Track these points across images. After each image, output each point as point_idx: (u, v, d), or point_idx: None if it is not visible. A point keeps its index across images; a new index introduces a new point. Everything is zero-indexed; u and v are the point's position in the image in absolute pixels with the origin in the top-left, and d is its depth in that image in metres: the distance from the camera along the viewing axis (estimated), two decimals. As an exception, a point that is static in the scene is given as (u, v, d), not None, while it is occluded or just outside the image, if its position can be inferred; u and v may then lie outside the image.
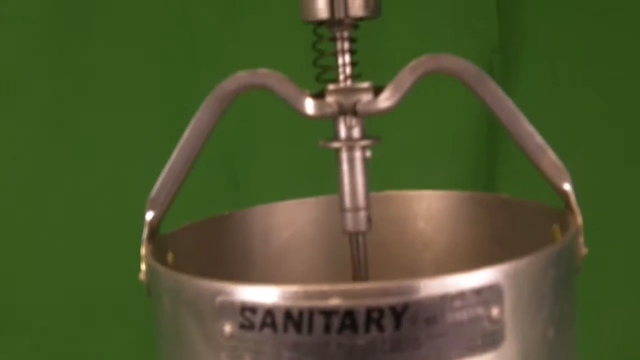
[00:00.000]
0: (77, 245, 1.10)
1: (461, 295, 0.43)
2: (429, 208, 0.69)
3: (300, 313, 0.43)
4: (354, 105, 0.55)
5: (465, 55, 1.08)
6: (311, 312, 0.43)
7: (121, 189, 1.12)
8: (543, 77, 1.13)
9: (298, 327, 0.43)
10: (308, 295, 0.43)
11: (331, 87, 0.54)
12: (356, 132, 0.55)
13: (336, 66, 0.55)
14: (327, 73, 0.57)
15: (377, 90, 0.55)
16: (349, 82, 0.55)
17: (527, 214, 0.61)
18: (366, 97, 0.54)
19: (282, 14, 1.06)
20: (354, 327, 0.42)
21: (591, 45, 1.10)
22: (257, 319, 0.44)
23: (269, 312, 0.44)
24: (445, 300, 0.43)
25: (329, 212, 0.70)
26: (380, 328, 0.42)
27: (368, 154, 0.57)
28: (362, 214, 0.57)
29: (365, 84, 0.54)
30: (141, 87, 1.12)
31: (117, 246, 1.06)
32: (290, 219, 0.70)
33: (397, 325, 0.42)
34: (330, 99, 0.55)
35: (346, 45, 0.55)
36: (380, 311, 0.42)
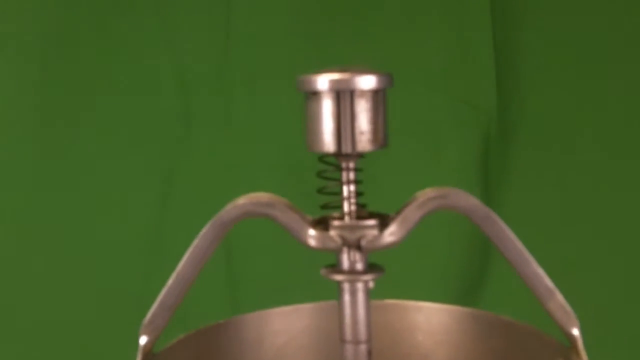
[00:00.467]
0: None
1: None
2: (427, 321, 0.67)
3: None
4: (359, 240, 0.53)
5: (463, 127, 1.09)
6: None
7: (116, 249, 1.11)
8: (539, 146, 1.12)
9: None
10: None
11: (336, 223, 0.53)
12: (359, 266, 0.54)
13: (341, 198, 0.54)
14: (331, 197, 0.56)
15: (382, 222, 0.53)
16: (353, 216, 0.53)
17: (530, 341, 0.60)
18: (371, 233, 0.53)
19: (275, 83, 1.05)
20: None
21: (592, 123, 1.09)
22: None
23: None
24: None
25: (325, 319, 0.68)
26: None
27: (371, 284, 0.55)
28: (363, 347, 0.55)
29: (370, 222, 0.53)
30: (130, 149, 1.10)
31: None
32: (285, 326, 0.68)
33: None
34: (333, 232, 0.53)
35: (352, 175, 0.54)
36: None
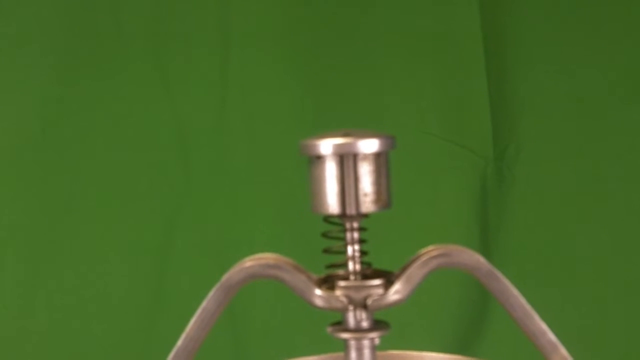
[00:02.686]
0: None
1: None
2: (431, 371, 0.68)
3: None
4: (364, 299, 0.54)
5: (459, 171, 1.09)
6: None
7: (113, 299, 1.11)
8: (536, 188, 1.13)
9: None
10: None
11: (342, 283, 0.54)
12: (365, 324, 0.55)
13: (345, 259, 0.54)
14: (335, 253, 0.57)
15: (387, 280, 0.54)
16: (359, 276, 0.54)
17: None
18: (376, 292, 0.54)
19: (275, 119, 1.06)
20: None
21: (589, 166, 1.10)
22: None
23: None
24: None
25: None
26: None
27: (377, 341, 0.56)
28: (370, 404, 0.56)
29: (375, 281, 0.53)
30: (131, 198, 1.11)
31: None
32: (291, 379, 0.69)
33: None
34: (339, 292, 0.54)
35: (356, 235, 0.55)
36: None
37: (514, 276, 1.00)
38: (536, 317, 0.54)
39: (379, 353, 0.67)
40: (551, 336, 0.54)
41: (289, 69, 1.11)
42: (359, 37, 1.12)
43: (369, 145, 0.52)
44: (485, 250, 1.12)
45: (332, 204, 0.53)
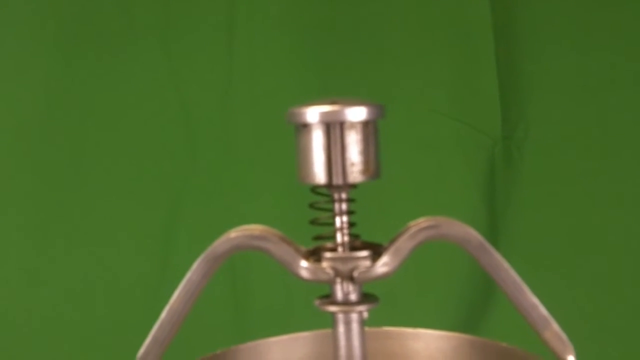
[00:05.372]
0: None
1: None
2: (427, 347, 0.67)
3: None
4: (351, 271, 0.53)
5: (468, 152, 1.08)
6: None
7: (120, 279, 1.11)
8: (544, 169, 1.12)
9: None
10: None
11: (328, 254, 0.52)
12: (353, 297, 0.53)
13: (334, 230, 0.53)
14: (324, 228, 0.56)
15: (374, 252, 0.53)
16: (346, 248, 0.53)
17: (529, 368, 0.59)
18: (363, 264, 0.52)
19: (280, 99, 1.05)
20: None
21: (597, 147, 1.09)
22: None
23: None
24: None
25: (325, 347, 0.67)
26: None
27: (365, 315, 0.55)
28: (359, 378, 0.55)
29: (363, 253, 0.52)
30: (136, 178, 1.11)
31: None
32: (284, 355, 0.68)
33: None
34: (326, 264, 0.53)
35: (344, 206, 0.54)
36: None
37: (521, 257, 0.99)
38: (527, 291, 0.53)
39: (374, 329, 0.66)
40: (542, 310, 0.53)
41: (295, 49, 1.10)
42: (366, 17, 1.11)
43: (357, 113, 0.51)
44: (493, 231, 1.10)
45: (319, 173, 0.52)
